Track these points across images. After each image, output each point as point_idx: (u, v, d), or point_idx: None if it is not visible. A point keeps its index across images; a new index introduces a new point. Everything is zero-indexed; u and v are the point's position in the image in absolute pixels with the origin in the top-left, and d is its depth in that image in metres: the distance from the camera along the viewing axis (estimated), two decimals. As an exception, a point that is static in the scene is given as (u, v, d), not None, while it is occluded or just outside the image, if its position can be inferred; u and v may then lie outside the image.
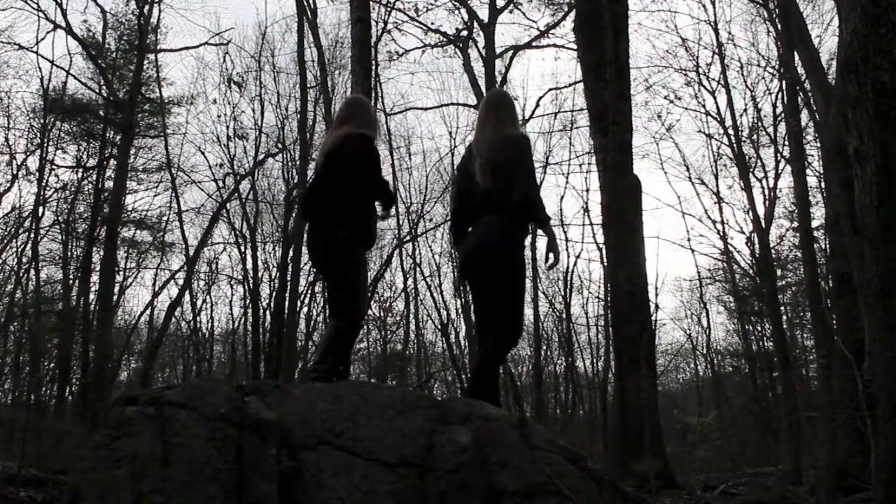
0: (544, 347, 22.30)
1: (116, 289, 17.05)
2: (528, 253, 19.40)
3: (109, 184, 16.09)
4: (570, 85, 17.22)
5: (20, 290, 15.48)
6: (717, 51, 16.11)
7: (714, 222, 18.94)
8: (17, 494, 3.71)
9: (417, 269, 17.76)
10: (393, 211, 3.90)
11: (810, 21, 13.43)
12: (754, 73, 16.74)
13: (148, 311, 19.55)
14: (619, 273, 7.08)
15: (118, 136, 15.65)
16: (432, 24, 15.89)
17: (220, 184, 16.76)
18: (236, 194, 16.74)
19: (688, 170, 18.63)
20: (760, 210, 15.41)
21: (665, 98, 17.14)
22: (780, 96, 15.13)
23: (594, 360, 21.99)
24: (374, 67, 10.78)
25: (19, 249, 16.23)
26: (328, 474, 2.61)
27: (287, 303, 12.60)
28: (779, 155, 16.17)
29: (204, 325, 21.44)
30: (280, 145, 16.80)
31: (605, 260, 15.90)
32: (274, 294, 15.63)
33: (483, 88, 14.57)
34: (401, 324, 20.85)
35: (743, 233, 17.98)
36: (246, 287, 17.85)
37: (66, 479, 3.96)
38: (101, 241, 15.34)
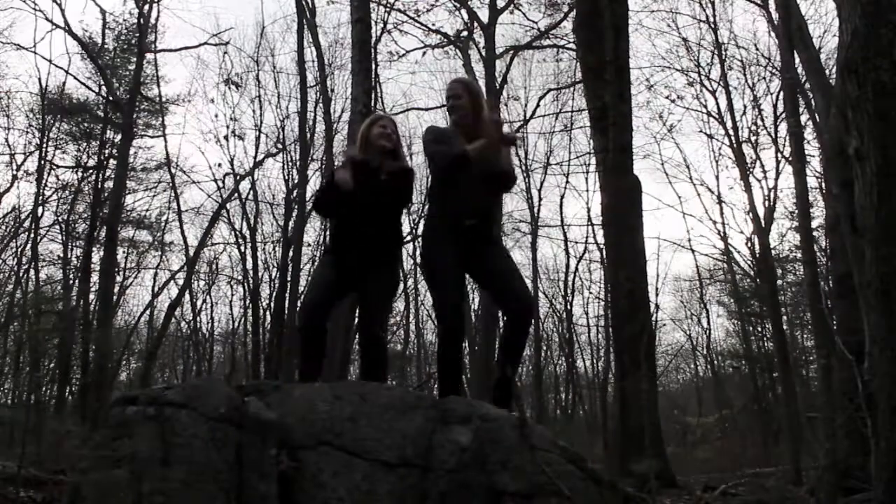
0: (544, 348, 22.36)
1: (116, 289, 17.06)
2: (528, 254, 19.41)
3: (109, 184, 16.10)
4: (571, 85, 17.26)
5: (20, 290, 15.50)
6: (716, 51, 16.14)
7: (714, 222, 19.01)
8: (17, 495, 3.70)
9: (418, 269, 17.77)
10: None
11: (810, 21, 13.45)
12: (755, 73, 16.74)
13: (148, 312, 19.62)
14: (619, 273, 7.07)
15: (118, 136, 15.66)
16: (433, 24, 15.87)
17: (220, 184, 16.80)
18: (236, 194, 16.76)
19: (688, 170, 18.69)
20: (760, 210, 15.45)
21: (667, 98, 17.17)
22: (780, 97, 15.15)
23: (594, 361, 22.06)
24: (374, 68, 10.77)
25: (19, 249, 16.27)
26: (328, 474, 2.61)
27: (287, 303, 12.61)
28: (779, 155, 16.20)
29: (204, 325, 21.51)
30: (280, 145, 16.82)
31: (605, 260, 15.92)
32: (274, 294, 15.65)
33: (483, 89, 14.55)
34: (401, 324, 20.89)
35: (743, 233, 18.04)
36: (246, 287, 17.90)
37: (66, 479, 3.96)
38: (100, 242, 15.34)
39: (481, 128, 3.56)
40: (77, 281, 16.34)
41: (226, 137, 16.23)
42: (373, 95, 9.95)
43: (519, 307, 3.48)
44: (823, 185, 12.79)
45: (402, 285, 19.47)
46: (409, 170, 3.79)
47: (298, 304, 12.56)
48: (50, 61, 20.12)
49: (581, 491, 2.63)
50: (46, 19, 14.56)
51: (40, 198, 15.35)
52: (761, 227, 14.65)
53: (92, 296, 15.81)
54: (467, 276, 3.70)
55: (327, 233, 3.99)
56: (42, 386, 14.24)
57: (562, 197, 19.90)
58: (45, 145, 15.66)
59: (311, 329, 3.53)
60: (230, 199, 16.85)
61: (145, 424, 2.58)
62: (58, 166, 16.95)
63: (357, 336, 3.63)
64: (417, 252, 18.38)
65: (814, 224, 10.96)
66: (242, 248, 17.69)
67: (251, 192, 16.72)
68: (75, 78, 16.27)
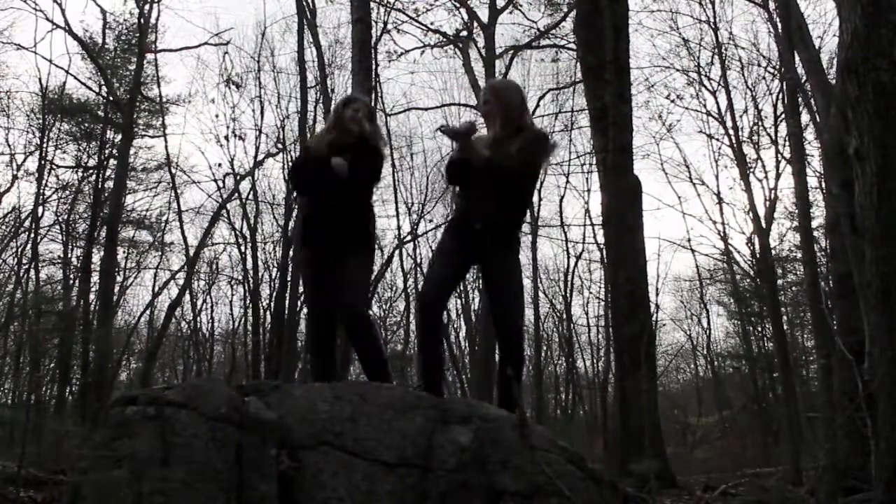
0: (544, 348, 22.35)
1: (116, 289, 17.05)
2: (528, 254, 19.40)
3: (109, 184, 16.10)
4: (571, 85, 17.25)
5: (20, 290, 15.50)
6: (716, 51, 16.14)
7: (714, 223, 18.99)
8: (17, 495, 3.70)
9: (418, 269, 17.75)
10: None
11: (810, 21, 13.42)
12: (755, 73, 16.75)
13: (148, 312, 19.60)
14: (619, 273, 7.07)
15: (118, 136, 15.65)
16: (432, 23, 15.87)
17: (220, 184, 16.79)
18: (236, 194, 16.75)
19: (688, 170, 18.67)
20: (761, 210, 15.45)
21: (667, 98, 17.16)
22: (780, 97, 15.16)
23: (594, 361, 22.05)
24: (374, 68, 10.77)
25: (19, 249, 16.26)
26: (328, 474, 2.61)
27: (287, 303, 12.60)
28: (779, 155, 16.20)
29: (204, 325, 21.49)
30: (280, 145, 16.81)
31: (605, 260, 15.91)
32: (274, 294, 15.64)
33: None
34: (401, 324, 20.87)
35: (743, 233, 18.02)
36: (246, 287, 17.88)
37: (66, 479, 3.96)
38: (101, 242, 15.33)
39: (513, 132, 3.54)
40: (77, 281, 16.33)
41: (226, 137, 16.22)
42: (373, 95, 9.94)
43: (503, 337, 3.50)
44: (823, 185, 12.79)
45: (399, 283, 19.46)
46: (375, 148, 3.80)
47: (298, 304, 12.58)
48: (50, 61, 20.08)
49: (581, 491, 2.63)
50: (47, 19, 14.56)
51: (40, 198, 15.35)
52: (761, 227, 14.66)
53: (92, 296, 15.80)
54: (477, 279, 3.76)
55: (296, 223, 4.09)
56: (42, 386, 14.24)
57: (562, 197, 19.87)
58: (45, 145, 15.65)
59: (327, 341, 3.56)
60: (230, 199, 16.85)
61: (145, 424, 2.58)
62: (58, 166, 16.95)
63: (342, 317, 3.56)
64: (417, 252, 18.39)
65: (814, 224, 10.96)
66: (242, 248, 17.69)
67: (251, 192, 16.71)
68: (76, 78, 16.27)
